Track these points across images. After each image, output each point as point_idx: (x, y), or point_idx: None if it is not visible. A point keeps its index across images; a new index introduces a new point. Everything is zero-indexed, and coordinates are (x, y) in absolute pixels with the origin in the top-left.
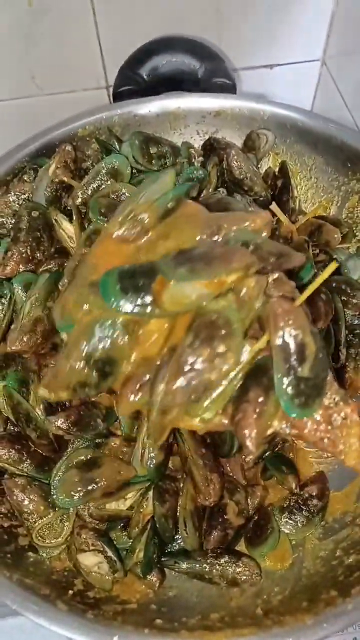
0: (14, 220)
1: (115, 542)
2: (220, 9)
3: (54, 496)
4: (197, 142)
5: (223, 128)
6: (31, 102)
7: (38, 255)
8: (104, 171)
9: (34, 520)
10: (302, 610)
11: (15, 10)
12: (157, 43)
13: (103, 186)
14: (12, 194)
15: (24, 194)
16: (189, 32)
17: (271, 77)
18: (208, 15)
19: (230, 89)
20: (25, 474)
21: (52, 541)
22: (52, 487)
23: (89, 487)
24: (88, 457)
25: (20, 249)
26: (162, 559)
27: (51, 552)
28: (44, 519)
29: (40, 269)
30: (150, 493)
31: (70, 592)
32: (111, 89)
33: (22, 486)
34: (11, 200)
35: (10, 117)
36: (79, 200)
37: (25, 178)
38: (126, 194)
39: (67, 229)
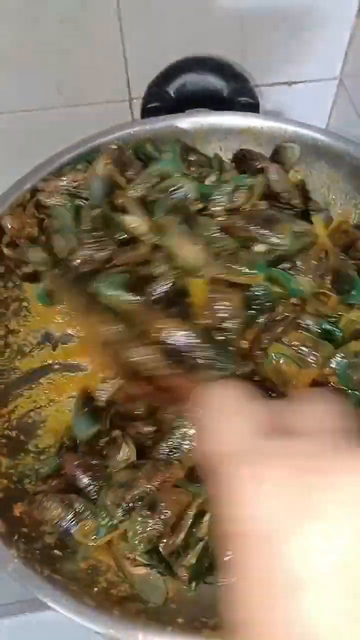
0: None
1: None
2: (245, 27)
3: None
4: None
5: (245, 144)
6: (55, 112)
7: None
8: (155, 174)
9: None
10: None
11: (47, 25)
12: (185, 62)
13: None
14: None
15: (76, 182)
16: (213, 49)
17: (289, 94)
18: (232, 33)
19: (254, 107)
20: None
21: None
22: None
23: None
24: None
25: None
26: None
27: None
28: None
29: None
30: (207, 517)
31: (95, 589)
32: (133, 102)
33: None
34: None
35: (36, 126)
36: (136, 194)
37: (79, 167)
38: (185, 187)
39: (131, 221)
